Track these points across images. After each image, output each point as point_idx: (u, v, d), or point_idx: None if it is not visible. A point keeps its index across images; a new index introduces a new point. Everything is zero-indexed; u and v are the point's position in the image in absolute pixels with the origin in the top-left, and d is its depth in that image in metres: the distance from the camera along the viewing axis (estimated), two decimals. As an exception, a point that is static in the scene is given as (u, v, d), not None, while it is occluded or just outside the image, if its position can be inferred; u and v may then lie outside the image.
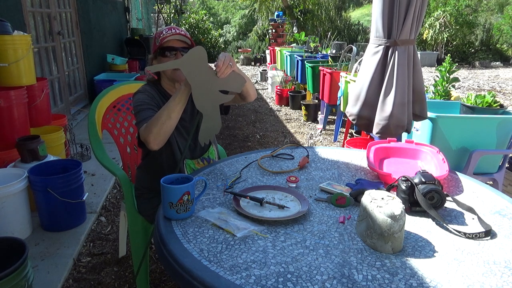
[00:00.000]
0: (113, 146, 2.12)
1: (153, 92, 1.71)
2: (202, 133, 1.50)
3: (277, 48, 8.17)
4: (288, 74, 6.94)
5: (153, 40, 1.73)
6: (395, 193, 1.32)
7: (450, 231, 1.16)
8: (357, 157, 1.79)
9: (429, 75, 9.58)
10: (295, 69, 6.34)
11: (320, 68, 4.82)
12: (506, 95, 7.75)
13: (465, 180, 1.55)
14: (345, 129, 4.43)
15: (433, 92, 3.47)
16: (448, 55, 3.60)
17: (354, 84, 2.44)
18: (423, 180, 1.25)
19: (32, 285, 1.64)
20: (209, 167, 1.63)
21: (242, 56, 13.12)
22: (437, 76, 3.47)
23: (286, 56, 6.97)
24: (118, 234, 2.38)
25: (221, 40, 16.23)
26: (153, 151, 1.65)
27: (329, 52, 6.23)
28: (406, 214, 1.16)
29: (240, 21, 18.72)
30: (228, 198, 1.35)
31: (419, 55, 2.20)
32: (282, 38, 10.55)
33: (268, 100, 7.02)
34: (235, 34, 17.99)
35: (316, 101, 5.59)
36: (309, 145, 4.50)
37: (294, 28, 12.54)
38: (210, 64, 1.44)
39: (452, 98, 3.42)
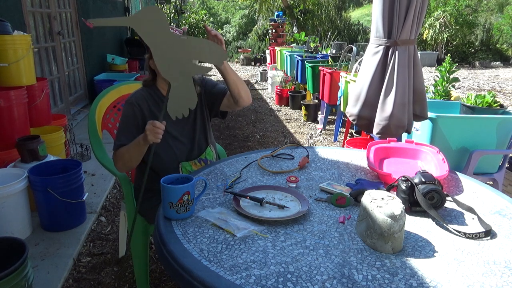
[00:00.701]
0: (113, 146, 2.12)
1: (144, 99, 1.70)
2: (171, 104, 1.40)
3: (277, 48, 8.17)
4: (288, 74, 6.94)
5: None
6: (395, 193, 1.32)
7: (450, 231, 1.16)
8: (357, 157, 1.79)
9: (429, 75, 9.58)
10: (295, 69, 6.34)
11: (320, 68, 4.82)
12: (506, 95, 7.75)
13: (465, 180, 1.55)
14: (345, 129, 4.43)
15: (433, 92, 3.47)
16: (448, 55, 3.60)
17: (354, 84, 2.44)
18: (423, 180, 1.25)
19: (32, 285, 1.64)
20: (209, 167, 1.63)
21: (242, 56, 13.12)
22: (437, 76, 3.47)
23: (286, 56, 6.97)
24: (118, 234, 2.38)
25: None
26: (147, 155, 1.69)
27: (329, 52, 6.22)
28: (406, 214, 1.16)
29: (240, 21, 18.72)
30: (228, 198, 1.35)
31: (419, 55, 2.20)
32: (282, 38, 10.56)
33: (268, 100, 7.02)
34: (235, 34, 17.99)
35: (316, 101, 5.59)
36: (309, 145, 4.50)
37: (294, 28, 12.54)
38: (176, 30, 1.39)
39: (452, 98, 3.42)
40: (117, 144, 1.66)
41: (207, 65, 1.42)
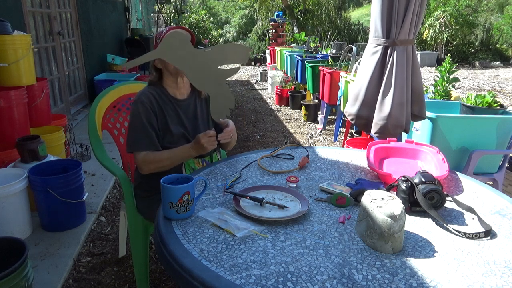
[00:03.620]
0: (113, 146, 2.12)
1: (153, 98, 1.70)
2: (213, 110, 1.49)
3: (277, 48, 8.17)
4: (288, 74, 6.94)
5: (155, 40, 1.73)
6: (395, 193, 1.32)
7: (450, 231, 1.16)
8: (357, 157, 1.79)
9: (429, 75, 9.58)
10: (295, 69, 6.33)
11: (320, 68, 4.82)
12: (506, 95, 7.75)
13: (465, 180, 1.55)
14: (345, 129, 4.43)
15: (433, 92, 3.47)
16: (448, 55, 3.60)
17: (353, 84, 2.44)
18: (423, 180, 1.25)
19: (32, 285, 1.64)
20: (209, 167, 1.63)
21: (242, 56, 13.09)
22: (437, 76, 3.47)
23: (286, 56, 6.97)
24: (118, 234, 2.38)
25: (221, 40, 16.22)
26: None
27: (329, 52, 6.22)
28: (406, 214, 1.16)
29: (240, 21, 18.70)
30: (228, 198, 1.35)
31: (419, 55, 2.19)
32: (282, 38, 10.54)
33: (268, 100, 7.02)
34: (235, 34, 17.98)
35: (316, 101, 5.58)
36: (309, 145, 4.50)
37: (294, 28, 12.53)
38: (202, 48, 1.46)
39: (452, 98, 3.42)
40: (141, 147, 1.65)
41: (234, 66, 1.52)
